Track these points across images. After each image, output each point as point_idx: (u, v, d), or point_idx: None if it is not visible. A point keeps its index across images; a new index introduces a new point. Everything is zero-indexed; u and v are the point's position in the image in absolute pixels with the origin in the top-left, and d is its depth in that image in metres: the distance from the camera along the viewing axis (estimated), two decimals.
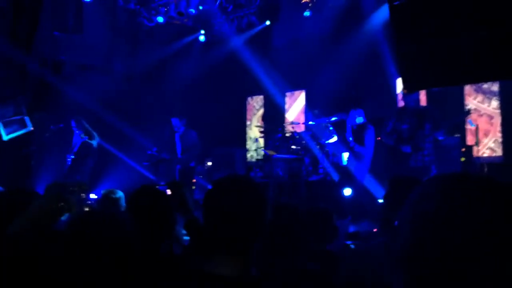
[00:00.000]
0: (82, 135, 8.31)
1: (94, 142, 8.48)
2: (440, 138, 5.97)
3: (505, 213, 0.69)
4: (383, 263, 1.98)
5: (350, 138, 6.91)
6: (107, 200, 3.25)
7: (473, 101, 8.29)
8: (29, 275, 1.54)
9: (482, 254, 0.67)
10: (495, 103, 8.08)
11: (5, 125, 8.42)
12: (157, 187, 2.36)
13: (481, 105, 8.20)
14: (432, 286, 0.71)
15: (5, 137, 8.39)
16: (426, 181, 0.83)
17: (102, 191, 3.33)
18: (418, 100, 6.11)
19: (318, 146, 8.23)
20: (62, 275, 1.20)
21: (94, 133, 8.55)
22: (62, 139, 8.87)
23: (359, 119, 6.86)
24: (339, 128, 7.82)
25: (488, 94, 8.14)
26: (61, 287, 1.21)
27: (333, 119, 7.91)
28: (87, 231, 1.22)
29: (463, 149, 7.30)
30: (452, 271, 0.68)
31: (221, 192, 1.46)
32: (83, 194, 3.04)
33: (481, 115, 8.14)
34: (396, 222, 2.12)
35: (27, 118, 8.54)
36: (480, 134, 7.73)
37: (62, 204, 1.70)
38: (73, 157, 8.27)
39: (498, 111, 8.04)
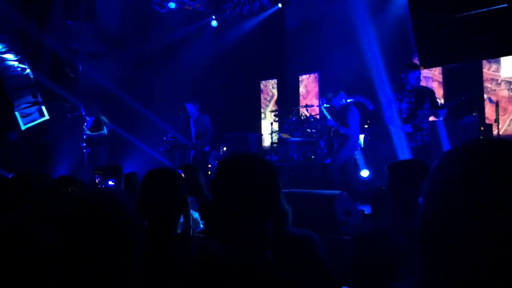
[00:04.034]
0: (87, 131, 8.28)
1: (102, 133, 8.42)
2: (441, 118, 5.84)
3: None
4: (396, 243, 1.95)
5: (333, 122, 6.92)
6: (128, 180, 3.26)
7: (488, 72, 8.12)
8: (28, 256, 1.56)
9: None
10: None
11: (23, 115, 8.54)
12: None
13: (497, 73, 8.05)
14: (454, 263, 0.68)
15: (23, 127, 8.52)
16: (443, 154, 0.80)
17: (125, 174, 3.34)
18: (419, 79, 5.95)
19: (332, 129, 8.17)
20: (62, 257, 1.18)
21: (104, 120, 8.50)
22: (78, 127, 8.94)
23: (342, 101, 6.89)
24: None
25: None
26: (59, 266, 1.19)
27: (349, 101, 7.82)
28: (83, 210, 1.20)
29: (482, 128, 7.15)
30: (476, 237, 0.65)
31: (228, 170, 1.38)
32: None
33: (499, 84, 7.98)
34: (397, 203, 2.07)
35: (44, 107, 8.64)
36: (503, 102, 7.56)
37: (72, 187, 1.69)
38: (84, 145, 8.28)
39: None
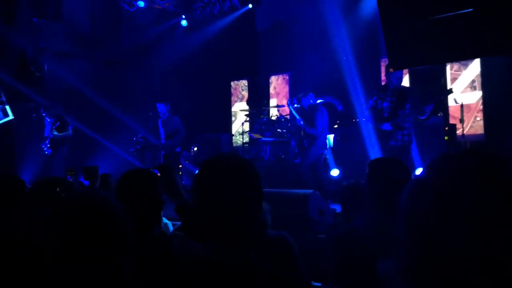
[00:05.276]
0: (53, 131, 8.11)
1: (67, 133, 8.24)
2: (422, 117, 5.96)
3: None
4: (372, 241, 1.98)
5: (301, 122, 7.03)
6: (104, 181, 3.22)
7: (450, 71, 8.38)
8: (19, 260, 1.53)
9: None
10: (472, 65, 8.16)
11: None
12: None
13: (459, 72, 8.30)
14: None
15: None
16: (430, 164, 0.83)
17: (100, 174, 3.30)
18: (400, 79, 6.06)
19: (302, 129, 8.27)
20: (49, 257, 1.17)
21: (67, 120, 8.32)
22: (43, 127, 8.73)
23: (310, 101, 7.01)
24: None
25: (463, 61, 8.16)
26: (47, 268, 1.18)
27: (318, 101, 7.92)
28: (75, 210, 1.19)
29: (447, 128, 7.37)
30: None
31: (218, 171, 1.37)
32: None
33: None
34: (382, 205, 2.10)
35: (8, 107, 8.39)
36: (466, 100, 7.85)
37: (59, 188, 1.67)
38: (48, 145, 8.11)
39: (478, 71, 8.11)
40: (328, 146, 7.26)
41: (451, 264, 0.70)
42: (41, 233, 1.21)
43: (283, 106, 9.41)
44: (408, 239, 0.76)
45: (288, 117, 9.00)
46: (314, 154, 6.87)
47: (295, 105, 7.99)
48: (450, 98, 7.70)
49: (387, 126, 5.86)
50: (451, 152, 0.80)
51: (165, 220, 3.71)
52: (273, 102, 10.91)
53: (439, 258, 0.71)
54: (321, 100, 7.84)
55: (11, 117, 8.51)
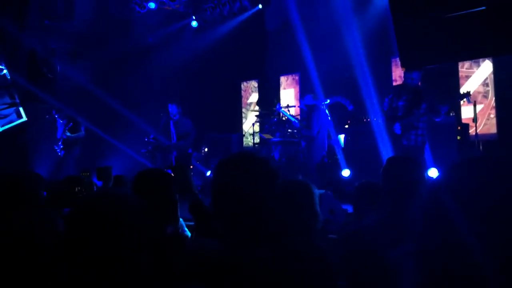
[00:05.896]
0: (66, 132, 8.19)
1: (80, 134, 8.34)
2: (437, 119, 5.93)
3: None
4: (380, 238, 1.98)
5: (297, 124, 7.01)
6: (118, 182, 3.24)
7: (461, 69, 8.32)
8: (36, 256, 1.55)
9: None
10: (483, 63, 8.11)
11: (0, 117, 8.36)
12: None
13: (471, 70, 8.25)
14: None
15: (0, 129, 8.34)
16: (453, 167, 0.85)
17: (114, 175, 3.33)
18: (415, 80, 6.02)
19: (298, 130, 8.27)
20: (67, 256, 1.18)
21: (78, 121, 8.41)
22: (55, 128, 8.82)
23: (308, 101, 6.99)
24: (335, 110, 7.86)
25: (475, 59, 8.09)
26: (64, 265, 1.18)
27: (328, 101, 7.90)
28: (95, 211, 1.19)
29: (459, 128, 7.31)
30: None
31: (229, 170, 1.39)
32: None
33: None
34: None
35: (21, 109, 8.48)
36: (479, 98, 7.78)
37: (79, 188, 1.69)
38: (62, 146, 8.19)
39: (491, 69, 8.05)
40: (326, 147, 7.20)
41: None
42: (60, 231, 1.21)
43: (294, 106, 9.40)
44: (428, 230, 0.78)
45: (299, 117, 8.99)
46: (315, 156, 6.86)
47: (283, 108, 7.97)
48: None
49: (400, 125, 5.81)
50: (474, 157, 0.82)
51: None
52: (289, 92, 10.90)
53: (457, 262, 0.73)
54: (328, 101, 7.84)
55: (24, 118, 8.60)
